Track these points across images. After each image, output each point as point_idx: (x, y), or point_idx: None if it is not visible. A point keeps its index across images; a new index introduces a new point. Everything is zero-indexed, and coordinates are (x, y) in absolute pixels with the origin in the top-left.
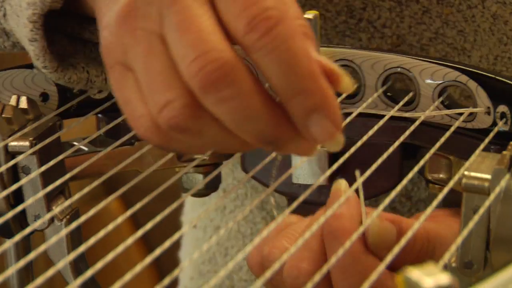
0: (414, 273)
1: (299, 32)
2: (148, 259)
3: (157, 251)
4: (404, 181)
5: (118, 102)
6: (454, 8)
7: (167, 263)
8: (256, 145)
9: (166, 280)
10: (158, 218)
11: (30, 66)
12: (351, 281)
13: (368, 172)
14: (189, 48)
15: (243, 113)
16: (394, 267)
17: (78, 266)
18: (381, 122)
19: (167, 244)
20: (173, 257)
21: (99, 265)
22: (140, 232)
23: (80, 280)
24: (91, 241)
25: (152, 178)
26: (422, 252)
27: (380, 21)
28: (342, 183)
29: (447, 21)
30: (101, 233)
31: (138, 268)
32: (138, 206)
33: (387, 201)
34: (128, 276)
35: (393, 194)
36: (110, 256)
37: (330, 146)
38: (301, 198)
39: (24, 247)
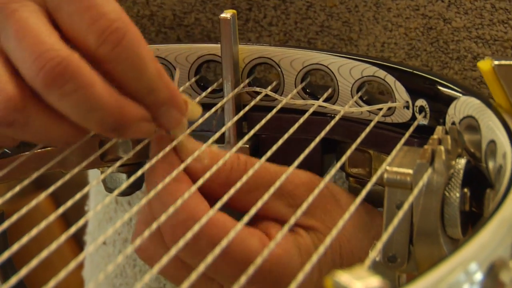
0: (343, 276)
1: (142, 38)
2: (82, 256)
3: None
4: (327, 178)
5: None
6: (337, 0)
7: None
8: (102, 133)
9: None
10: (90, 213)
11: None
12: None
13: (290, 169)
14: (27, 51)
15: (87, 104)
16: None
17: (5, 270)
18: (301, 120)
19: (100, 239)
20: None
21: (34, 262)
22: (73, 229)
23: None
24: (25, 239)
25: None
26: (233, 171)
27: (266, 19)
28: None
29: (332, 14)
30: (34, 231)
31: (73, 265)
32: (70, 203)
33: (310, 198)
34: (62, 274)
35: (316, 191)
36: (44, 254)
37: (176, 132)
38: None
39: None
